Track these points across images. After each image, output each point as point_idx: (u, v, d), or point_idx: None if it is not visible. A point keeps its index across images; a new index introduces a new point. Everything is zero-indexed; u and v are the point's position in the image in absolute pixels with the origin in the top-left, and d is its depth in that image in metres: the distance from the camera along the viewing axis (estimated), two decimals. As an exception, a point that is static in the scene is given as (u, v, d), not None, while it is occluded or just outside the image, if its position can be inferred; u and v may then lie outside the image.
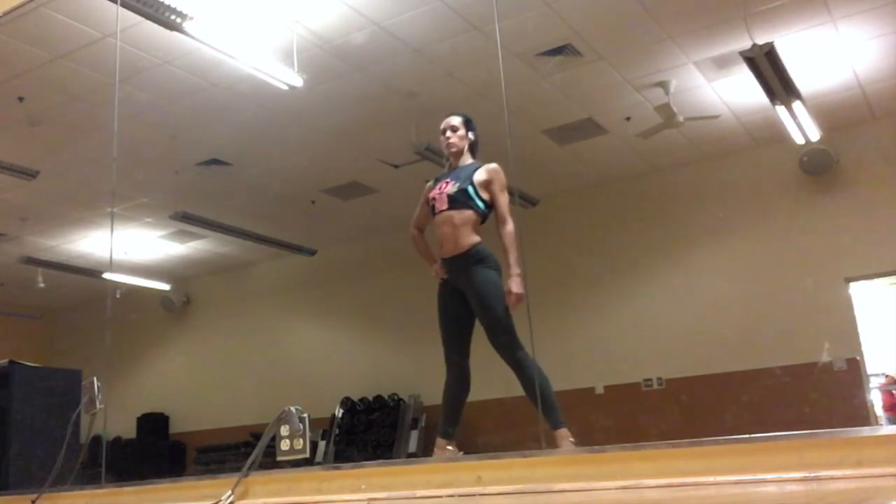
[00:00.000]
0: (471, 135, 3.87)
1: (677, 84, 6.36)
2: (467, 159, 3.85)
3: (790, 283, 7.10)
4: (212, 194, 8.26)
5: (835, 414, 6.42)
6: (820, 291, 6.97)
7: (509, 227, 3.66)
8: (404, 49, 5.70)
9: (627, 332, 7.90)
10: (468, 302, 3.70)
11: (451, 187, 3.74)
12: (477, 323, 3.73)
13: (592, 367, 7.93)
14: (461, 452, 3.72)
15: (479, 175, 3.73)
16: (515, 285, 3.54)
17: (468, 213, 3.69)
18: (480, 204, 3.71)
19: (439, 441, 3.76)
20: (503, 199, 3.71)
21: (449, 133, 3.86)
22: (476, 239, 3.69)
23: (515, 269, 3.55)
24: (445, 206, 3.73)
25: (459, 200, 3.70)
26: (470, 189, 3.70)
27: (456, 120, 3.87)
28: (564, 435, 3.50)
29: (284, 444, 2.52)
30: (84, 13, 5.12)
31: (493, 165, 3.76)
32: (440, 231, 3.77)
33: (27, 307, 11.19)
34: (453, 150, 3.85)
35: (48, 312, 11.64)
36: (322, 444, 9.01)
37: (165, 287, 10.77)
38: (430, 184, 3.92)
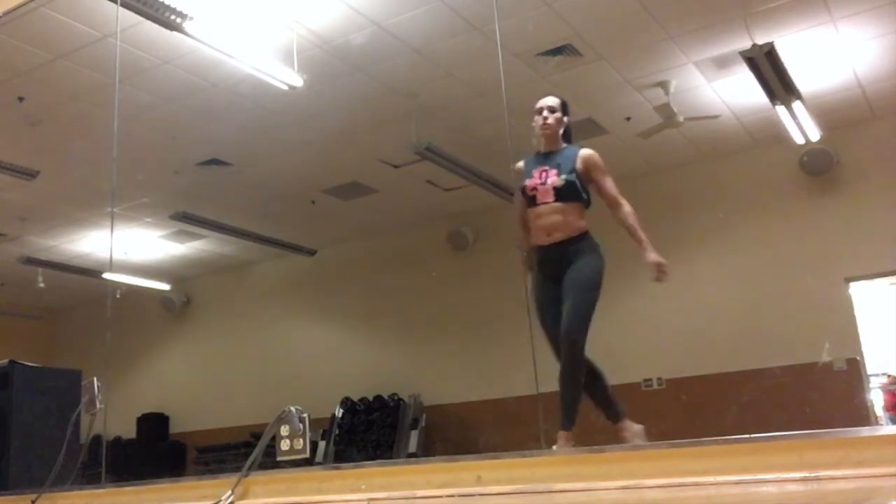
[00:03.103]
0: (566, 118, 3.75)
1: (677, 84, 6.36)
2: (561, 144, 3.73)
3: (790, 283, 7.09)
4: (212, 194, 8.25)
5: (835, 414, 6.42)
6: (820, 291, 6.97)
7: (626, 208, 3.60)
8: (404, 49, 5.70)
9: (627, 332, 7.89)
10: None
11: (555, 178, 3.61)
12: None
13: (592, 367, 7.91)
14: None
15: (578, 165, 3.63)
16: (654, 255, 3.49)
17: (575, 204, 3.61)
18: (586, 195, 3.64)
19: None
20: (609, 184, 3.63)
21: (546, 113, 3.72)
22: (584, 224, 3.62)
23: (647, 242, 3.52)
24: (551, 199, 3.60)
25: (567, 193, 3.59)
26: (578, 182, 3.60)
27: (554, 101, 3.75)
28: (565, 437, 3.44)
29: (284, 444, 2.52)
30: (84, 13, 5.12)
31: (588, 152, 3.68)
32: (545, 220, 3.62)
33: (27, 307, 11.19)
34: (548, 131, 3.71)
35: (48, 312, 11.63)
36: (322, 444, 9.01)
37: (165, 287, 10.77)
38: (520, 165, 3.78)
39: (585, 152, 3.67)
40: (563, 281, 3.57)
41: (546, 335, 3.67)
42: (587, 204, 3.67)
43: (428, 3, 5.21)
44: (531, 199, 3.66)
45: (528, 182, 3.67)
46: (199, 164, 7.51)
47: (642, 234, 3.54)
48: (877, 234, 6.74)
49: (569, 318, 3.52)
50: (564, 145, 3.74)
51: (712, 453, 1.84)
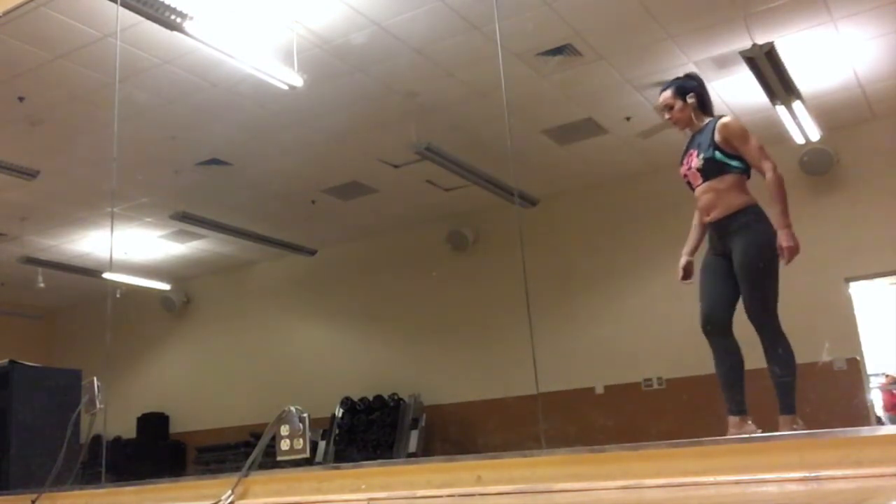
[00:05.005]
0: (690, 99, 3.62)
1: (677, 84, 6.36)
2: (702, 121, 3.62)
3: (790, 283, 7.04)
4: (212, 194, 8.26)
5: (835, 414, 6.41)
6: (820, 291, 6.96)
7: (769, 175, 3.40)
8: (404, 49, 5.70)
9: (627, 332, 7.90)
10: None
11: (696, 160, 3.54)
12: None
13: (592, 367, 7.92)
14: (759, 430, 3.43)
15: (717, 137, 3.48)
16: (785, 238, 3.36)
17: (728, 178, 3.49)
18: (735, 163, 3.48)
19: (731, 419, 3.49)
20: (749, 149, 3.45)
21: (667, 114, 3.67)
22: (746, 198, 3.48)
23: (784, 220, 3.36)
24: (700, 181, 3.54)
25: (710, 170, 3.50)
26: (718, 155, 3.48)
27: (666, 96, 3.66)
28: (788, 421, 3.34)
29: (284, 444, 2.52)
30: (84, 13, 5.12)
31: (723, 122, 3.52)
32: (702, 201, 3.57)
33: (27, 307, 11.19)
34: (678, 125, 3.67)
35: (48, 312, 11.63)
36: (322, 444, 9.01)
37: (165, 287, 10.77)
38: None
39: (721, 122, 3.52)
40: (733, 262, 3.50)
41: (700, 303, 3.71)
42: (745, 173, 3.52)
43: (428, 3, 5.21)
44: (689, 185, 3.63)
45: (681, 170, 3.64)
46: (199, 164, 7.51)
47: (779, 210, 3.36)
48: (877, 234, 6.73)
49: (749, 310, 3.52)
50: (707, 120, 3.62)
51: (712, 453, 1.84)
